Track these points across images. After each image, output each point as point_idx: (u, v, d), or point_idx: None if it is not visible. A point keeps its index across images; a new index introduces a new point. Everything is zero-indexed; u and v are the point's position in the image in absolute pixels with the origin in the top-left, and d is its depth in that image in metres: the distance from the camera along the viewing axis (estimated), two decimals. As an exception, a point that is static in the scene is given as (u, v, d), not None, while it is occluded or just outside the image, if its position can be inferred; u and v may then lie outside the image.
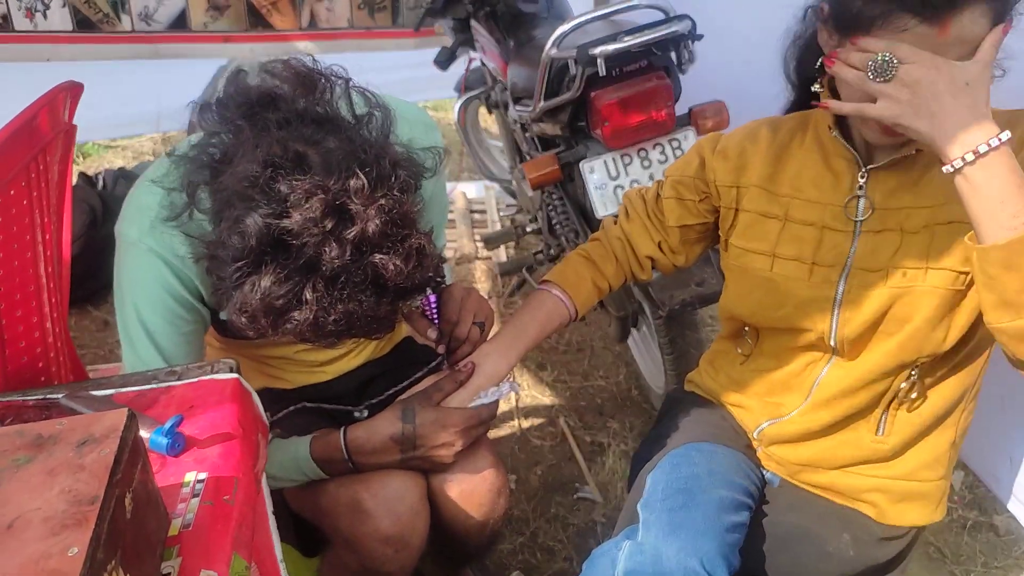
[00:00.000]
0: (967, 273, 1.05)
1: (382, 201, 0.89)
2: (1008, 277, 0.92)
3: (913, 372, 1.15)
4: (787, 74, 1.23)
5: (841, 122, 1.15)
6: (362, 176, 0.88)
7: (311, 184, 0.86)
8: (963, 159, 0.92)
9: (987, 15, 0.91)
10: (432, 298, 1.25)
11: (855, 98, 1.01)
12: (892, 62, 0.95)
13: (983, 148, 0.91)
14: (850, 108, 1.02)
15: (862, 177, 1.13)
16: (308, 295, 0.88)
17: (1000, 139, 0.91)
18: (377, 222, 0.88)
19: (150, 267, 1.09)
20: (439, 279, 1.03)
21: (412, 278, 0.93)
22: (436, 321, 1.27)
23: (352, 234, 0.87)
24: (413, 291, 0.97)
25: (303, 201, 0.86)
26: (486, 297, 2.62)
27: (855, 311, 1.13)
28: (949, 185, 1.02)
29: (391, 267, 0.90)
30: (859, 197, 1.13)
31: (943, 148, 0.94)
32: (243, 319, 0.92)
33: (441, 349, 1.27)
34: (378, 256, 0.89)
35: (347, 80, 1.03)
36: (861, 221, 1.13)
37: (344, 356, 1.47)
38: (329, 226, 0.86)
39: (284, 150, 0.89)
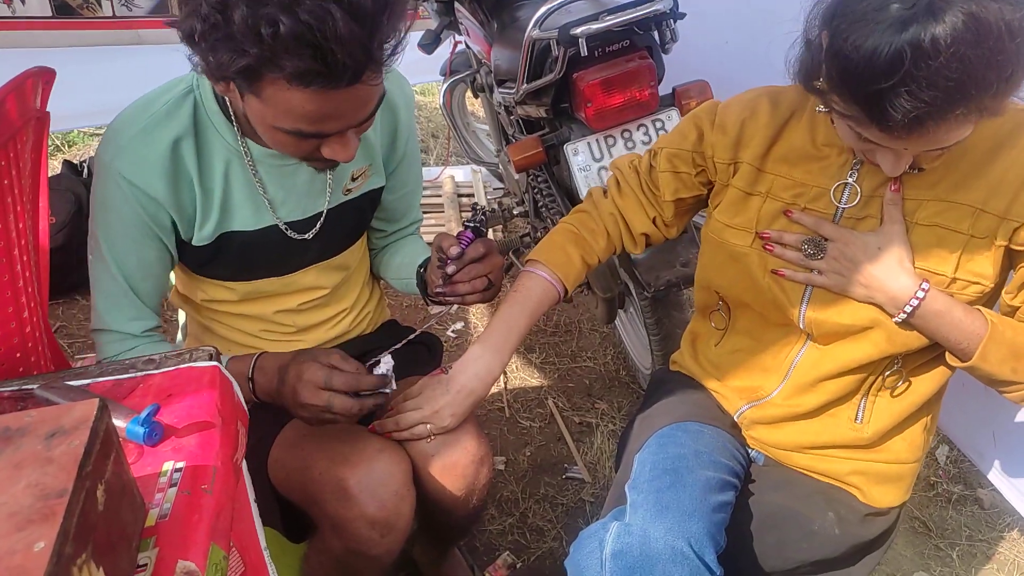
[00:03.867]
0: (947, 276, 1.06)
1: None
2: (998, 370, 1.07)
3: (898, 360, 1.15)
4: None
5: None
6: None
7: None
8: (902, 313, 1.07)
9: (962, 121, 0.89)
10: (470, 235, 1.26)
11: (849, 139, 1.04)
12: (821, 243, 1.12)
13: (909, 307, 1.06)
14: (802, 278, 1.15)
15: (855, 165, 1.12)
16: None
17: (921, 292, 1.05)
18: None
19: (120, 195, 1.16)
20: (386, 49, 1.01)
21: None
22: (464, 249, 1.26)
23: None
24: (383, 31, 0.96)
25: None
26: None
27: (825, 297, 1.14)
28: (937, 181, 1.06)
29: None
30: (847, 184, 1.13)
31: (883, 308, 1.09)
32: (215, 18, 0.91)
33: (450, 268, 1.24)
34: None
35: None
36: (844, 208, 1.13)
37: (322, 324, 1.48)
38: None
39: None
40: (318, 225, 1.34)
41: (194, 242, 1.25)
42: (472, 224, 1.27)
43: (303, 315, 1.45)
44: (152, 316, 1.30)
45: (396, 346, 1.30)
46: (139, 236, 1.20)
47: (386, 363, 1.21)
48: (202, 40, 0.95)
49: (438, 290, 1.27)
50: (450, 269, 1.24)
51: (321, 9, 0.89)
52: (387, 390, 1.21)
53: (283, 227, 1.30)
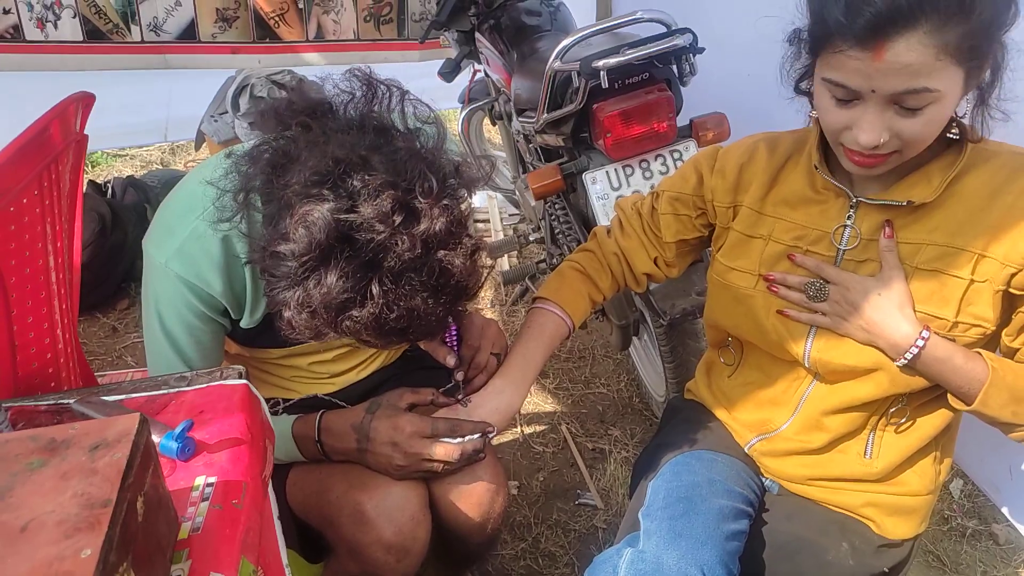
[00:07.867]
0: (948, 320, 1.07)
1: (446, 202, 0.94)
2: (999, 414, 1.07)
3: (903, 399, 1.16)
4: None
5: (828, 152, 1.15)
6: (430, 176, 0.93)
7: (382, 181, 0.90)
8: (903, 359, 1.07)
9: (928, 43, 0.91)
10: (453, 330, 1.27)
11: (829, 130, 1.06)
12: (823, 286, 1.13)
13: (910, 354, 1.06)
14: (806, 319, 1.16)
15: (851, 207, 1.14)
16: (375, 290, 0.90)
17: (920, 341, 1.05)
18: (442, 221, 0.92)
19: (174, 290, 1.14)
20: (461, 309, 1.05)
21: (471, 277, 0.97)
22: (456, 349, 1.28)
23: (420, 230, 0.91)
24: (466, 292, 1.00)
25: (373, 197, 0.89)
26: (489, 305, 2.63)
27: (830, 337, 1.15)
28: (934, 226, 1.07)
29: (456, 263, 0.94)
30: (846, 226, 1.15)
31: (885, 352, 1.09)
32: (303, 315, 0.94)
33: (459, 376, 1.27)
34: (443, 252, 0.93)
35: (403, 92, 1.07)
36: (845, 250, 1.15)
37: (355, 368, 1.48)
38: (398, 221, 0.90)
39: (351, 151, 0.92)
40: None
41: (243, 324, 1.24)
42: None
43: (336, 364, 1.45)
44: None
45: (448, 386, 1.32)
46: (197, 323, 1.19)
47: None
48: (273, 287, 0.98)
49: (461, 396, 1.30)
50: (459, 376, 1.28)
51: (408, 311, 0.93)
52: (490, 434, 1.24)
53: None
